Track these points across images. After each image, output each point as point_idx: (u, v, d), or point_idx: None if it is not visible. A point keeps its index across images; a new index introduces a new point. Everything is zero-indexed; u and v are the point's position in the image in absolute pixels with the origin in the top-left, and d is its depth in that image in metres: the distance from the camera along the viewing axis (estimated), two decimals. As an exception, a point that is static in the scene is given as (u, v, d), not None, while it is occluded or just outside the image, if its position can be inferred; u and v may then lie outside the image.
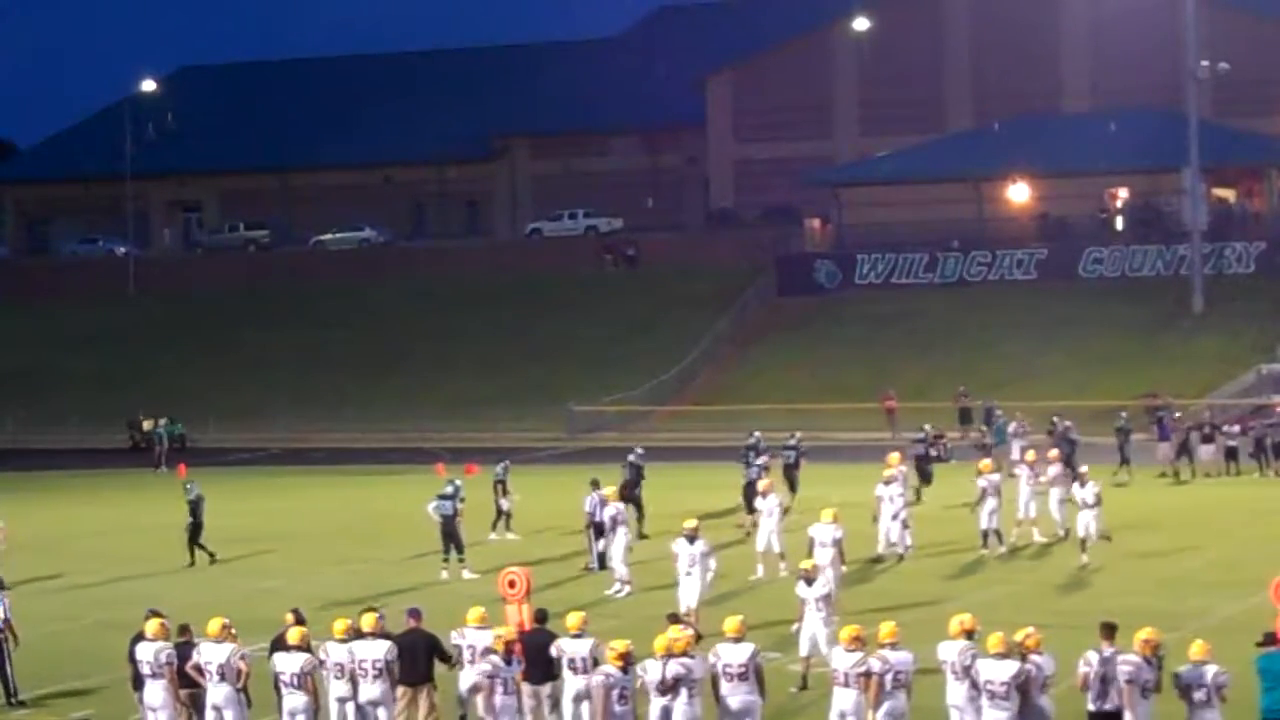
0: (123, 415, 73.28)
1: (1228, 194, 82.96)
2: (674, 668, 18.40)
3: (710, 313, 79.77)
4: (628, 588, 31.99)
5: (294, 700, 19.58)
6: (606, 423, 70.22)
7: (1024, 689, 17.95)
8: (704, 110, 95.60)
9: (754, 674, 18.96)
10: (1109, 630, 18.30)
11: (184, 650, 20.24)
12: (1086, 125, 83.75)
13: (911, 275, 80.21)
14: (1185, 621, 26.24)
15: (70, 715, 23.95)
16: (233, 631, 20.05)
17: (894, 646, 18.65)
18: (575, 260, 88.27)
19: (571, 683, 19.67)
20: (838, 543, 29.02)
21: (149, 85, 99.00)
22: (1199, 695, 17.66)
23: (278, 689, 19.73)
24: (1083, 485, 34.65)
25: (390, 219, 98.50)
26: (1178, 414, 53.53)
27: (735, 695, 18.90)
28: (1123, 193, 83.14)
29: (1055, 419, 51.32)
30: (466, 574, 34.47)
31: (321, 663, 19.98)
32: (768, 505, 33.72)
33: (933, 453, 46.79)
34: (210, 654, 19.82)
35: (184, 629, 20.87)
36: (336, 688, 19.98)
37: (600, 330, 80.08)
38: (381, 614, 20.40)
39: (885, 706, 18.46)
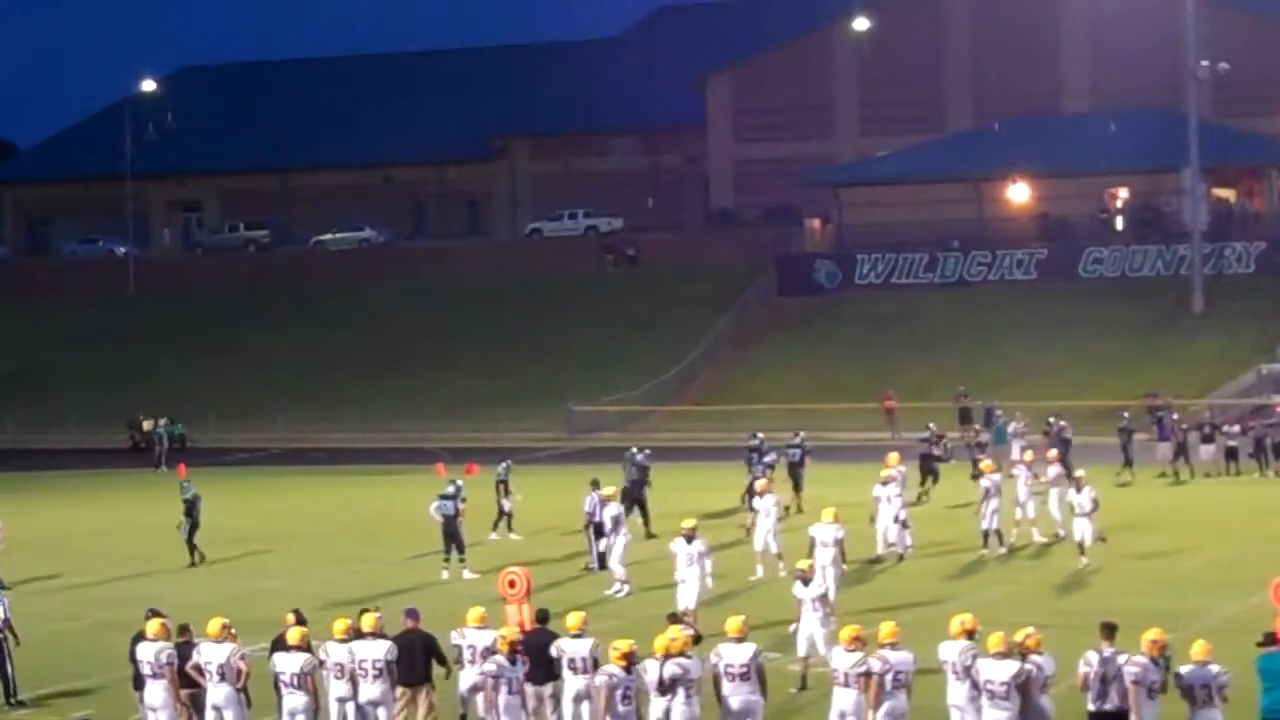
0: (123, 415, 73.26)
1: (1228, 194, 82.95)
2: (670, 668, 18.41)
3: (710, 313, 79.77)
4: (626, 587, 32.01)
5: (294, 700, 19.58)
6: (606, 423, 70.22)
7: (1024, 689, 17.95)
8: (704, 110, 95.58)
9: (756, 674, 18.97)
10: (1109, 630, 18.31)
11: (184, 650, 20.24)
12: (1086, 125, 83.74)
13: (911, 275, 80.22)
14: (1185, 622, 26.22)
15: (70, 715, 23.94)
16: (233, 631, 20.05)
17: (894, 646, 18.64)
18: (575, 260, 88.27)
19: (571, 683, 19.66)
20: (839, 543, 29.03)
21: (149, 85, 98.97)
22: (1201, 695, 17.67)
23: (277, 689, 19.73)
24: (1079, 490, 34.42)
25: (390, 219, 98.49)
26: (1175, 415, 53.51)
27: (737, 695, 18.91)
28: (1123, 193, 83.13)
29: (1051, 419, 51.34)
30: (467, 574, 34.46)
31: (321, 663, 19.99)
32: (764, 505, 33.74)
33: (936, 451, 46.79)
34: (210, 654, 19.82)
35: (184, 629, 20.87)
36: (336, 688, 19.98)
37: (600, 330, 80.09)
38: (380, 615, 20.40)
39: (885, 706, 18.46)
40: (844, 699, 18.81)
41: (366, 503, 50.74)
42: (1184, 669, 17.86)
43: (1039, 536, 37.24)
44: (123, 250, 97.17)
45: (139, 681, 20.66)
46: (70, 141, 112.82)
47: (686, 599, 27.49)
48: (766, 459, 43.44)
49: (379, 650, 19.85)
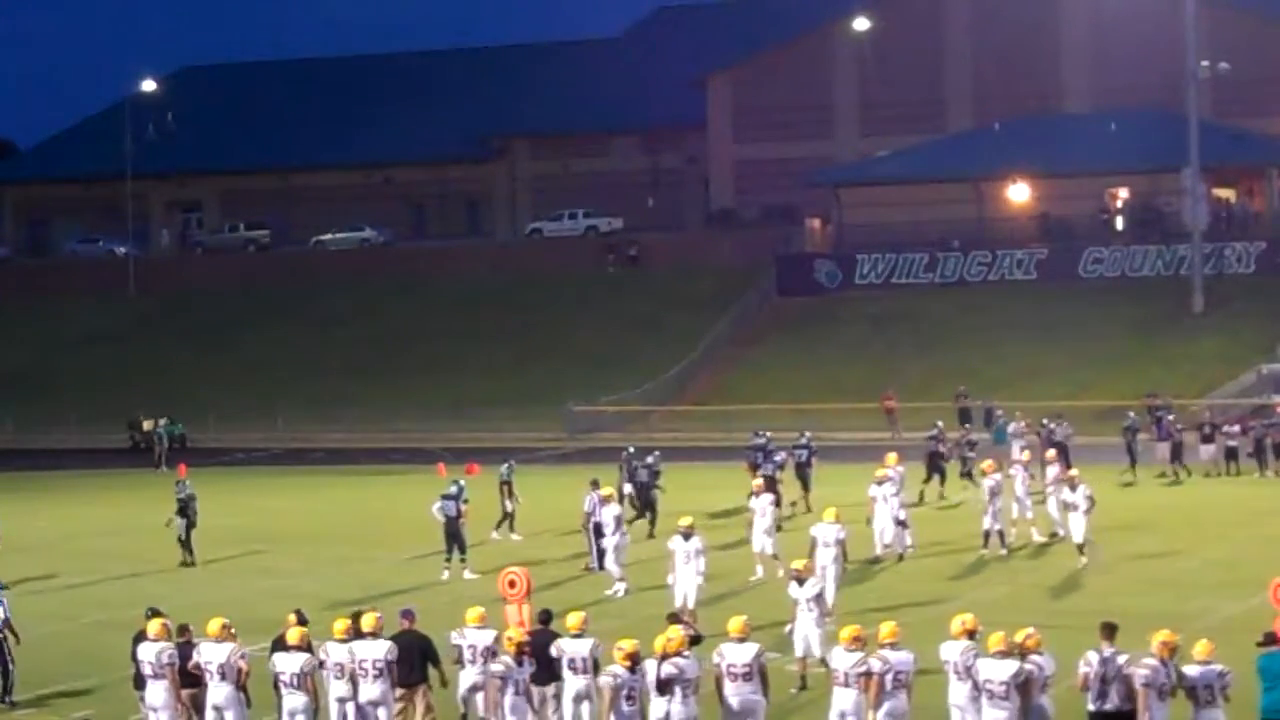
0: (123, 415, 73.28)
1: (1228, 194, 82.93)
2: (666, 668, 18.41)
3: (710, 313, 79.75)
4: (623, 586, 32.02)
5: (294, 700, 19.58)
6: (606, 423, 70.20)
7: (1024, 689, 17.95)
8: (704, 110, 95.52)
9: (758, 674, 18.99)
10: (1109, 630, 18.30)
11: (184, 650, 20.25)
12: (1086, 125, 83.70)
13: (911, 275, 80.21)
14: (1186, 622, 26.18)
15: (70, 715, 23.95)
16: (233, 631, 20.05)
17: (894, 646, 18.64)
18: (575, 260, 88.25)
19: (571, 683, 19.66)
20: (840, 542, 29.02)
21: (149, 85, 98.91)
22: (1205, 695, 17.68)
23: (277, 689, 19.73)
24: (1073, 489, 34.47)
25: (390, 219, 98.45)
26: (1171, 415, 53.47)
27: (739, 695, 18.93)
28: (1123, 193, 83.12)
29: (1045, 420, 51.30)
30: (467, 574, 34.47)
31: (322, 663, 19.99)
32: (760, 505, 33.77)
33: (941, 449, 46.74)
34: (210, 654, 19.83)
35: (184, 629, 20.87)
36: (336, 688, 19.98)
37: (600, 330, 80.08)
38: (380, 615, 20.40)
39: (885, 706, 18.46)
40: (844, 699, 18.81)
41: (367, 503, 50.74)
42: (1186, 669, 17.86)
43: (1038, 536, 37.28)
44: (122, 250, 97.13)
45: (140, 681, 20.67)
46: (70, 141, 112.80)
47: (684, 596, 27.53)
48: (776, 458, 43.43)
49: (379, 650, 19.85)
